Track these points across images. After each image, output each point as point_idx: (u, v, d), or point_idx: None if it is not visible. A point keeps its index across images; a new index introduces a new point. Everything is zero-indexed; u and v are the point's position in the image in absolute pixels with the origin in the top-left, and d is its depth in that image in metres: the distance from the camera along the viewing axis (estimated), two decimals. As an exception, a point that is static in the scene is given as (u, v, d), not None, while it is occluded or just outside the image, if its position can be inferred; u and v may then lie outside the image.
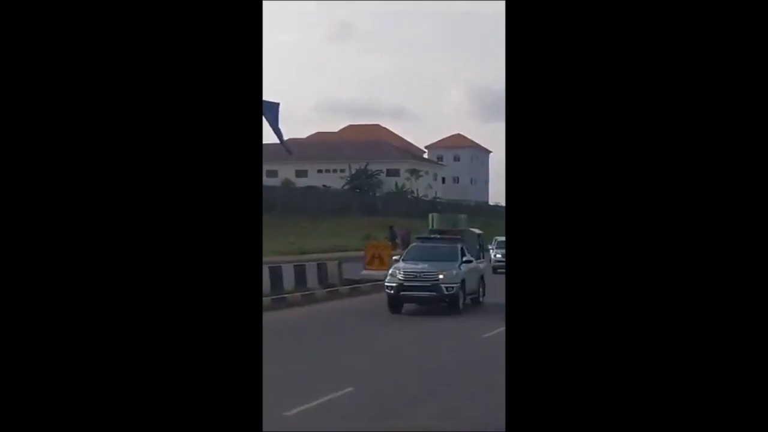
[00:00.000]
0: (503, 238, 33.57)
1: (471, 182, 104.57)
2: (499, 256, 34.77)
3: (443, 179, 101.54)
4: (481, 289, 22.14)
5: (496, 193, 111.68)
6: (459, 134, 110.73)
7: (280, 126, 24.25)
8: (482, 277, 22.50)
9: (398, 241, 40.11)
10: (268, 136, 24.70)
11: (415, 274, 19.94)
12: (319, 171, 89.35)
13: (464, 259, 20.77)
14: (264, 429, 8.94)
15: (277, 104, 24.55)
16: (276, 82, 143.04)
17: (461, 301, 20.22)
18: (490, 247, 34.25)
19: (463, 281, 20.28)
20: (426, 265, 20.20)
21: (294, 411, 9.79)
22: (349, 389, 11.09)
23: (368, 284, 26.69)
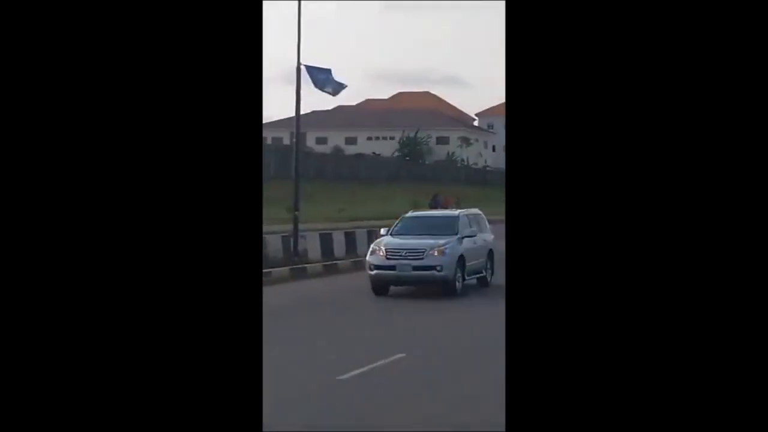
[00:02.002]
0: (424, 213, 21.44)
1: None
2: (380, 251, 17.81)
3: (494, 147, 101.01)
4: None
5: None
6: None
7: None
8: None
9: (441, 208, 39.88)
10: (320, 103, 24.88)
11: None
12: (369, 138, 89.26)
13: None
14: (320, 393, 9.19)
15: (329, 70, 24.81)
16: (327, 50, 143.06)
17: None
18: (382, 231, 19.23)
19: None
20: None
21: (348, 375, 10.00)
22: (401, 355, 11.23)
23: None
